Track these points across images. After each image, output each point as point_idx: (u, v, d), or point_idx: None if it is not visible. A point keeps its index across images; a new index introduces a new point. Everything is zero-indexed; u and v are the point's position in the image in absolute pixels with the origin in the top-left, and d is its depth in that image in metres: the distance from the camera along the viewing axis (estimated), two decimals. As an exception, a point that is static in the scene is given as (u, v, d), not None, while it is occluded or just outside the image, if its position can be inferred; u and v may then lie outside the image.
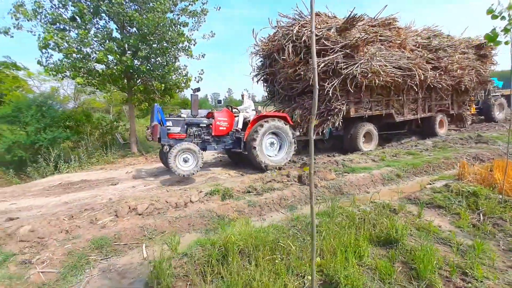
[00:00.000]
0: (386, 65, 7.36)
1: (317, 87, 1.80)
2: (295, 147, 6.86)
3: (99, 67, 8.92)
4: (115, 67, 8.42)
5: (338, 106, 7.26)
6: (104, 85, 8.98)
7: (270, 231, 3.03)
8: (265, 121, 6.53)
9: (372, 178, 5.18)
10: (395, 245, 2.74)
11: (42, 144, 9.71)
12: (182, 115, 6.71)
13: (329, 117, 7.36)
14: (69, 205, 4.88)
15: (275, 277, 2.30)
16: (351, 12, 6.88)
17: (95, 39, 8.13)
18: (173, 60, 9.69)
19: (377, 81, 7.22)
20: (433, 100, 9.71)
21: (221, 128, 6.71)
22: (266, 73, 9.00)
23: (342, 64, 6.91)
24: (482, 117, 13.90)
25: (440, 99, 9.92)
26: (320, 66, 6.87)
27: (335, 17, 7.96)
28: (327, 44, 6.99)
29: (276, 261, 2.51)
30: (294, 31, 7.19)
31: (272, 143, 6.86)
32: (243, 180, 5.15)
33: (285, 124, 6.78)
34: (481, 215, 3.40)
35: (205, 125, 6.67)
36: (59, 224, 3.73)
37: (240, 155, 7.17)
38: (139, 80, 9.60)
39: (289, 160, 6.88)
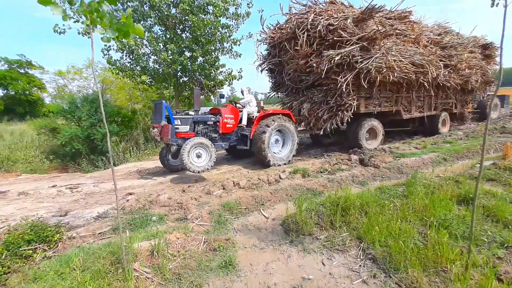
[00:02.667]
0: (401, 60, 7.12)
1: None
2: (297, 143, 6.84)
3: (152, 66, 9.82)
4: (172, 66, 9.28)
5: (349, 101, 6.97)
6: (161, 83, 9.87)
7: (370, 194, 3.88)
8: (272, 120, 6.46)
9: (423, 161, 6.00)
10: (471, 202, 3.58)
11: (96, 138, 10.65)
12: (190, 113, 6.41)
13: (339, 112, 7.07)
14: (165, 184, 5.81)
15: (391, 224, 3.14)
16: (371, 2, 6.52)
17: (159, 41, 9.01)
18: (218, 59, 10.55)
19: (391, 77, 6.96)
20: (439, 99, 9.56)
21: (228, 125, 6.55)
22: (272, 63, 8.57)
23: (358, 58, 6.59)
24: (477, 115, 13.70)
25: (446, 98, 9.80)
26: (335, 59, 6.53)
27: (352, 6, 7.61)
28: (344, 35, 6.57)
29: (387, 211, 3.37)
30: (309, 20, 6.84)
31: (277, 140, 6.81)
32: (314, 163, 6.01)
33: (289, 122, 6.75)
34: (529, 184, 4.23)
35: (212, 123, 6.49)
36: (184, 194, 4.63)
37: (243, 151, 7.09)
38: (188, 78, 10.48)
39: (293, 156, 6.83)
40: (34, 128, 13.12)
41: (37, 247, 3.06)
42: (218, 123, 6.51)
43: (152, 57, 9.56)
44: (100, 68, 20.20)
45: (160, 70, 9.72)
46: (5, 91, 32.11)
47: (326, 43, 6.81)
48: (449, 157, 6.28)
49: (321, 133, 7.36)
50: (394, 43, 7.27)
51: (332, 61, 6.53)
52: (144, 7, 9.05)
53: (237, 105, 7.14)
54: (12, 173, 7.33)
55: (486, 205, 3.46)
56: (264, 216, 4.02)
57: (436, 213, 3.22)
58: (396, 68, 6.94)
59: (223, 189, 4.80)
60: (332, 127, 7.19)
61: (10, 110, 31.60)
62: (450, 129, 10.31)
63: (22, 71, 33.30)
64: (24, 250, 2.97)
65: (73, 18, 2.25)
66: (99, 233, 3.44)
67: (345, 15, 6.87)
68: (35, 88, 34.14)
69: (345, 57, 6.61)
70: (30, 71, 33.41)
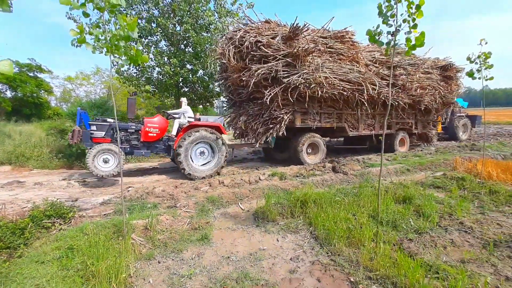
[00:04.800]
0: (334, 77, 7.24)
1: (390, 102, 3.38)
2: (225, 158, 6.88)
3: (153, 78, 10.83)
4: (174, 78, 10.25)
5: (281, 115, 7.10)
6: (163, 92, 10.83)
7: (327, 192, 4.70)
8: (195, 131, 6.54)
9: (388, 171, 6.81)
10: (409, 202, 4.39)
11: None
12: (109, 120, 6.69)
13: (272, 126, 7.19)
14: (160, 181, 6.62)
15: (337, 213, 3.94)
16: (294, 21, 6.78)
17: (163, 55, 10.03)
18: (214, 72, 11.55)
19: (319, 93, 7.08)
20: (394, 118, 9.56)
21: (150, 134, 6.64)
22: (222, 77, 8.80)
23: (283, 73, 6.79)
24: (447, 136, 14.04)
25: (402, 117, 9.80)
26: (260, 73, 6.75)
27: (285, 25, 7.69)
28: (267, 51, 6.85)
29: (336, 205, 4.18)
30: (238, 36, 7.18)
31: (202, 152, 6.85)
32: (292, 168, 6.84)
33: (217, 135, 6.75)
34: (465, 190, 5.04)
35: (133, 130, 6.67)
36: (176, 189, 5.44)
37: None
38: (188, 88, 11.45)
39: (217, 171, 6.78)
40: (42, 129, 14.02)
41: (55, 221, 3.87)
42: (140, 131, 6.65)
43: (157, 69, 10.55)
44: (107, 76, 21.31)
45: (163, 80, 10.70)
46: (14, 93, 33.30)
47: (255, 58, 7.08)
48: (412, 168, 7.10)
49: (257, 145, 7.66)
50: (327, 60, 7.42)
51: (259, 75, 6.75)
52: (152, 24, 10.10)
53: (166, 114, 7.32)
54: (25, 168, 8.16)
55: (418, 204, 4.27)
56: (241, 208, 4.81)
57: (374, 207, 4.03)
58: (325, 84, 7.07)
59: (210, 186, 5.62)
60: (269, 140, 7.40)
61: (17, 111, 32.66)
62: (409, 148, 10.34)
63: (31, 74, 34.65)
64: (45, 222, 3.78)
65: (98, 50, 3.14)
66: (104, 214, 4.25)
67: (274, 33, 7.21)
68: (42, 91, 35.40)
69: (270, 72, 6.86)
70: (39, 74, 34.77)
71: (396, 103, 8.94)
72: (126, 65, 3.02)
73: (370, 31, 2.65)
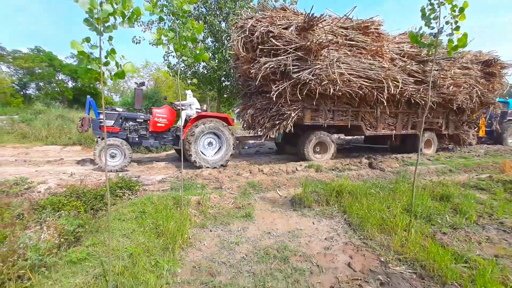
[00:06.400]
0: (345, 74, 6.65)
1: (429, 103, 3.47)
2: (234, 148, 6.91)
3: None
4: (217, 72, 10.92)
5: (288, 112, 6.79)
6: (206, 85, 11.61)
7: (362, 185, 4.90)
8: (203, 121, 6.59)
9: (429, 170, 6.69)
10: (446, 199, 4.42)
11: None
12: (118, 109, 6.78)
13: (278, 122, 6.93)
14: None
15: (371, 204, 4.15)
16: (310, 11, 6.16)
17: (209, 51, 10.76)
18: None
19: (331, 90, 6.59)
20: (419, 117, 8.70)
21: (158, 124, 6.70)
22: (234, 66, 8.43)
23: (293, 67, 6.39)
24: (491, 140, 12.66)
25: (428, 117, 8.94)
26: (267, 67, 6.44)
27: (302, 14, 6.96)
28: (277, 44, 6.43)
29: (371, 197, 4.39)
30: (248, 25, 6.74)
31: (210, 143, 6.93)
32: (328, 161, 7.06)
33: (225, 126, 6.77)
34: (512, 194, 4.86)
35: (142, 120, 6.73)
36: (220, 173, 6.04)
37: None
38: (230, 82, 12.08)
39: (224, 162, 6.84)
40: (102, 116, 15.84)
41: (125, 192, 4.66)
42: (148, 121, 6.71)
43: (202, 63, 11.30)
44: (154, 69, 22.89)
45: (208, 75, 11.44)
46: (74, 83, 37.30)
47: (264, 50, 6.71)
48: (456, 169, 6.86)
49: (263, 140, 7.48)
50: (344, 54, 6.84)
51: (266, 69, 6.43)
52: (199, 21, 10.80)
53: (173, 105, 7.40)
54: (92, 149, 9.48)
55: (457, 202, 4.29)
56: (279, 194, 5.23)
57: (409, 202, 4.16)
58: (339, 82, 6.53)
59: (250, 173, 6.12)
60: (275, 135, 7.12)
61: (76, 100, 36.65)
62: (436, 150, 9.59)
63: (89, 67, 38.45)
64: (118, 192, 4.58)
65: (170, 50, 3.73)
66: (162, 190, 4.97)
67: (288, 23, 6.64)
68: (97, 82, 39.20)
69: (279, 66, 6.46)
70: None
71: (423, 101, 8.17)
72: (191, 62, 3.53)
73: (412, 34, 2.84)
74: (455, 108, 8.88)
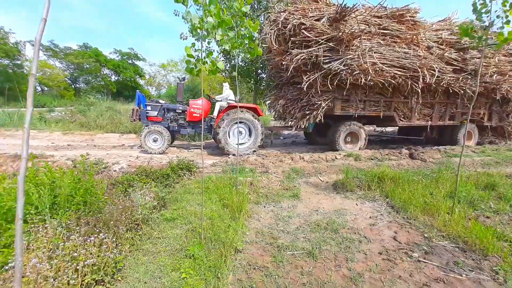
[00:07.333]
0: (378, 63, 6.65)
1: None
2: (262, 138, 7.31)
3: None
4: (254, 65, 11.37)
5: (319, 102, 6.94)
6: (244, 78, 12.14)
7: (404, 172, 5.11)
8: (232, 112, 7.04)
9: (473, 162, 6.60)
10: (492, 188, 4.49)
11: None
12: (161, 101, 7.67)
13: (309, 112, 7.09)
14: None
15: (413, 190, 4.37)
16: (342, 1, 6.35)
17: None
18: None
19: (363, 80, 6.64)
20: (459, 108, 8.47)
21: (194, 114, 7.33)
22: (267, 59, 8.64)
23: (324, 58, 6.55)
24: None
25: (468, 107, 8.48)
26: (299, 58, 6.60)
27: (335, 5, 7.10)
28: (309, 35, 6.59)
29: (413, 184, 4.60)
30: (281, 18, 6.93)
31: (240, 132, 7.37)
32: (367, 151, 7.25)
33: (254, 116, 7.15)
34: None
35: (180, 111, 7.49)
36: (264, 159, 6.56)
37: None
38: (266, 75, 12.49)
39: (254, 150, 7.32)
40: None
41: (184, 173, 5.35)
42: (186, 112, 7.39)
43: (240, 56, 11.82)
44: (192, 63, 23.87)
45: (245, 67, 11.94)
46: (117, 77, 40.16)
47: (296, 42, 6.92)
48: (503, 162, 6.68)
49: (293, 130, 7.72)
50: (377, 44, 6.88)
51: (298, 60, 6.62)
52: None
53: (212, 99, 8.04)
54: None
55: (501, 191, 4.36)
56: (320, 180, 5.61)
57: (452, 189, 4.32)
58: (371, 71, 6.56)
59: (292, 159, 6.55)
60: (306, 125, 7.31)
61: (119, 93, 39.50)
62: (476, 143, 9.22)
63: (130, 62, 41.15)
64: (180, 172, 5.28)
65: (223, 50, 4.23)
66: (215, 172, 5.60)
67: (321, 14, 6.82)
68: (137, 76, 41.86)
69: (310, 57, 6.61)
70: (136, 62, 41.10)
71: (462, 91, 7.93)
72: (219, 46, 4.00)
73: (463, 27, 3.02)
74: (498, 98, 8.49)
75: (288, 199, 4.42)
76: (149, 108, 7.49)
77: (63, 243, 1.91)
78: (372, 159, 6.77)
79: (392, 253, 2.80)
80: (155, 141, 7.15)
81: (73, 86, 34.31)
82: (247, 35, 4.05)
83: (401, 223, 3.51)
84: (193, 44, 2.32)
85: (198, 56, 2.37)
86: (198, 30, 2.28)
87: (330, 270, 2.50)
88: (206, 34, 2.35)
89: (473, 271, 2.48)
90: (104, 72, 37.70)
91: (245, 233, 3.12)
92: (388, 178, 4.78)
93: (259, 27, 11.08)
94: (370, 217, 3.74)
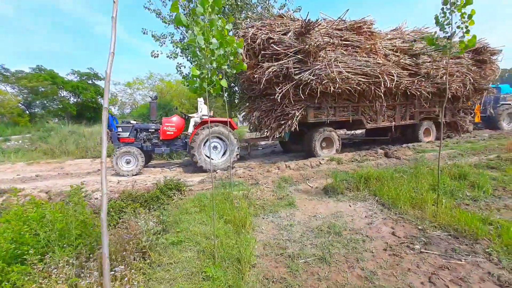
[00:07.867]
0: (343, 72, 7.08)
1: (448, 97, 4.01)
2: (237, 152, 7.38)
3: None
4: (229, 79, 11.47)
5: (292, 111, 7.25)
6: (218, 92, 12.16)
7: (386, 171, 5.46)
8: (206, 127, 7.00)
9: (440, 155, 7.25)
10: (463, 178, 4.97)
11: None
12: (132, 122, 7.56)
13: (284, 122, 7.37)
14: (236, 168, 7.82)
15: (398, 186, 4.68)
16: (306, 17, 6.83)
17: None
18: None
19: (332, 88, 7.05)
20: (416, 107, 9.28)
21: (168, 132, 7.27)
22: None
23: (294, 70, 6.90)
24: (485, 126, 13.15)
25: (426, 106, 9.45)
26: (270, 71, 6.92)
27: (299, 20, 7.58)
28: (278, 49, 6.99)
29: (396, 181, 4.93)
30: (250, 34, 7.25)
31: (215, 147, 7.41)
32: (347, 154, 7.61)
33: (228, 129, 6.98)
34: (520, 169, 5.42)
35: (153, 130, 7.39)
36: (251, 171, 6.58)
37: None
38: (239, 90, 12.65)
39: (233, 163, 7.31)
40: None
41: (174, 192, 5.18)
42: (159, 131, 7.31)
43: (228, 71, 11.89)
44: (158, 79, 23.39)
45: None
46: (77, 99, 37.87)
47: (266, 55, 7.26)
48: (465, 153, 7.42)
49: (270, 140, 8.03)
50: (341, 54, 7.35)
51: (269, 73, 6.94)
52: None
53: (186, 116, 8.08)
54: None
55: (472, 180, 4.84)
56: (309, 186, 5.77)
57: (432, 182, 4.71)
58: (338, 80, 7.00)
59: (278, 169, 6.66)
60: (282, 134, 7.57)
61: (80, 115, 37.17)
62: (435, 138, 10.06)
63: (90, 82, 39.12)
64: (169, 193, 5.10)
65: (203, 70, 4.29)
66: (205, 189, 5.50)
67: (287, 28, 7.25)
68: (99, 96, 39.85)
69: (281, 69, 6.97)
70: (96, 81, 39.16)
71: (419, 92, 8.70)
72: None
73: (429, 37, 3.40)
74: (450, 97, 9.42)
75: (285, 208, 4.47)
76: (120, 129, 7.29)
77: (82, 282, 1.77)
78: (353, 161, 7.12)
79: (396, 248, 2.96)
80: (128, 162, 6.97)
81: (27, 111, 31.66)
82: (232, 51, 4.15)
83: (394, 219, 3.73)
84: (197, 65, 2.34)
85: (203, 75, 2.39)
86: (199, 51, 2.31)
87: (345, 272, 2.58)
88: (210, 56, 2.39)
89: (469, 255, 2.72)
90: (62, 95, 35.38)
91: (254, 247, 3.10)
92: (373, 178, 5.07)
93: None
94: (365, 217, 3.92)
